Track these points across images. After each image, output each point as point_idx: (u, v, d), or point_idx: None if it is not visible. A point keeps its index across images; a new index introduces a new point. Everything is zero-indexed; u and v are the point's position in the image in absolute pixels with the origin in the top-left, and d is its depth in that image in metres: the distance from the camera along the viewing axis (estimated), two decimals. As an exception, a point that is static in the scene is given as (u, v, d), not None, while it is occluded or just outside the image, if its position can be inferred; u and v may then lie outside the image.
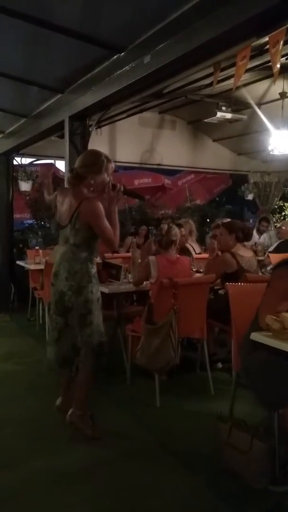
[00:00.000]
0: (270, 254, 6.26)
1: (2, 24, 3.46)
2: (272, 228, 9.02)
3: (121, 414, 3.45)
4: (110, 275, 4.31)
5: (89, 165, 3.01)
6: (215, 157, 8.45)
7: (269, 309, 2.38)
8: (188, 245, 5.96)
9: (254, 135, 7.11)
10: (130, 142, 7.46)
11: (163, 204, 10.53)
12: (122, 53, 3.75)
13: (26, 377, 4.30)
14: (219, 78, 4.13)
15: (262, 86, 5.50)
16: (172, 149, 7.87)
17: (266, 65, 4.20)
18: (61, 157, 6.22)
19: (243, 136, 7.60)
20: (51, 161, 8.93)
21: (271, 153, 6.32)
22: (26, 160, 7.87)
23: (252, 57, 3.49)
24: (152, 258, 3.82)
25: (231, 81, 3.92)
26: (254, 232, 7.59)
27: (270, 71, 3.63)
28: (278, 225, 8.36)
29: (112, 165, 3.08)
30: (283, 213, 10.31)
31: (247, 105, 5.87)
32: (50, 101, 5.13)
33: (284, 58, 4.15)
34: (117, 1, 3.13)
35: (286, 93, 5.59)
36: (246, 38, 3.08)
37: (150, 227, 8.52)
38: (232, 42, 3.14)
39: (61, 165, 8.78)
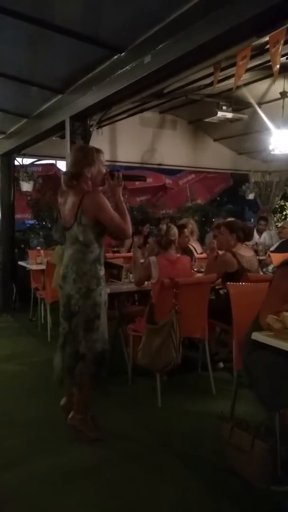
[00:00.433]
0: (271, 254, 6.26)
1: (3, 25, 3.47)
2: (273, 228, 9.02)
3: (122, 414, 3.45)
4: (112, 275, 4.31)
5: (80, 159, 2.96)
6: (215, 156, 8.45)
7: (271, 309, 2.37)
8: (189, 245, 5.96)
9: (255, 135, 7.11)
10: (131, 142, 7.47)
11: (164, 203, 10.54)
12: (123, 53, 3.76)
13: (28, 377, 4.30)
14: (219, 78, 4.13)
15: (262, 85, 5.50)
16: (173, 148, 7.88)
17: (266, 64, 4.20)
18: (62, 157, 6.24)
19: (244, 136, 7.60)
20: (52, 161, 8.94)
21: (272, 152, 6.31)
22: (27, 161, 7.87)
23: (252, 57, 3.49)
24: (152, 258, 3.82)
25: (232, 80, 3.93)
26: (255, 232, 7.60)
27: (270, 70, 3.63)
28: (280, 224, 8.35)
29: (103, 155, 3.02)
30: (284, 213, 10.30)
31: (247, 105, 5.87)
32: (51, 102, 5.14)
33: (285, 57, 4.16)
34: (117, 2, 3.14)
35: (287, 92, 5.58)
36: (246, 38, 3.09)
37: (151, 227, 8.53)
38: (232, 42, 3.14)
39: (62, 165, 8.79)
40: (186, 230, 5.53)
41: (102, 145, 6.29)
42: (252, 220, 12.71)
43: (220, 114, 5.91)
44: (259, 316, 2.55)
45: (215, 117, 5.99)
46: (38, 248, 6.90)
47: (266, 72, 4.76)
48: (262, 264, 5.50)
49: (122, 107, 5.23)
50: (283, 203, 10.28)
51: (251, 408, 3.01)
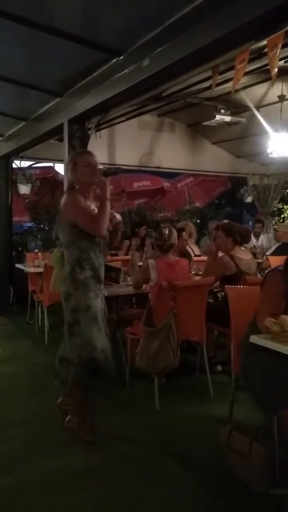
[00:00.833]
0: (269, 257, 6.26)
1: (2, 28, 3.47)
2: (271, 231, 9.03)
3: (120, 417, 3.45)
4: (110, 278, 4.31)
5: (68, 168, 3.04)
6: (214, 159, 8.47)
7: (267, 312, 2.39)
8: (188, 248, 5.96)
9: (253, 138, 7.13)
10: (129, 145, 7.47)
11: (162, 206, 10.55)
12: (121, 57, 3.77)
13: (25, 380, 4.29)
14: (218, 81, 4.14)
15: (260, 89, 5.52)
16: (171, 152, 7.89)
17: (264, 68, 4.21)
18: (60, 160, 6.24)
19: (242, 139, 7.62)
20: (50, 164, 8.94)
21: (270, 155, 6.33)
22: (25, 163, 7.86)
23: (250, 60, 3.50)
24: (151, 261, 3.82)
25: (230, 84, 3.94)
26: (252, 235, 7.61)
27: (268, 74, 3.64)
28: (275, 227, 8.37)
29: (83, 158, 2.99)
30: (282, 216, 10.32)
31: (246, 108, 5.89)
32: (49, 105, 5.14)
33: (283, 61, 4.18)
34: (116, 5, 3.14)
35: (285, 96, 5.61)
36: (244, 42, 3.09)
37: (149, 230, 8.53)
38: (230, 46, 3.15)
39: (60, 168, 8.79)
40: (184, 233, 5.54)
41: (100, 148, 6.33)
42: (250, 223, 12.72)
43: (218, 117, 5.93)
44: (256, 319, 2.56)
45: (213, 120, 6.01)
46: (36, 251, 6.87)
47: (264, 75, 4.78)
48: (260, 267, 5.50)
49: (121, 110, 5.24)
50: (281, 206, 10.30)
51: (249, 411, 3.00)
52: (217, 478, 2.60)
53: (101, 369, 2.94)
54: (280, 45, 2.96)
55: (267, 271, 3.02)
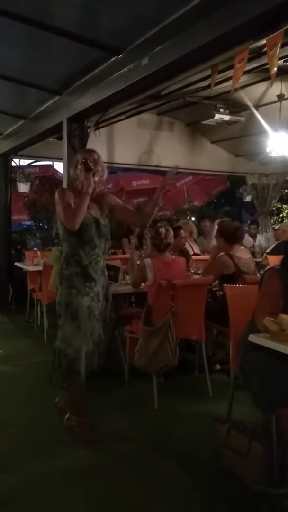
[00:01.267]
0: (267, 256, 6.27)
1: (1, 26, 3.47)
2: (270, 230, 9.05)
3: (119, 416, 3.45)
4: (109, 277, 4.30)
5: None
6: (213, 158, 8.46)
7: (265, 311, 2.40)
8: (187, 245, 5.96)
9: (252, 137, 7.12)
10: (128, 143, 7.47)
11: (161, 205, 10.52)
12: (120, 55, 3.76)
13: (24, 379, 4.29)
14: (217, 80, 4.13)
15: (260, 88, 5.51)
16: (170, 150, 7.88)
17: (264, 67, 4.21)
18: (59, 159, 6.22)
19: (241, 138, 7.61)
20: (50, 162, 8.93)
21: (269, 155, 6.33)
22: (24, 162, 7.86)
23: (250, 59, 3.49)
24: (147, 260, 3.82)
25: (229, 83, 3.92)
26: (248, 236, 7.62)
27: (268, 73, 3.64)
28: (277, 227, 8.38)
29: (81, 156, 3.03)
30: (281, 215, 10.34)
31: (245, 107, 5.88)
32: (48, 103, 5.13)
33: (282, 60, 4.17)
34: (115, 4, 3.14)
35: (284, 95, 5.60)
36: (243, 41, 3.09)
37: (148, 228, 8.51)
38: (229, 45, 3.15)
39: (59, 166, 8.78)
40: (182, 231, 5.54)
41: (99, 147, 6.31)
42: (249, 222, 12.74)
43: (217, 116, 5.93)
44: (255, 318, 2.56)
45: (212, 119, 6.01)
46: (35, 249, 6.89)
47: (263, 74, 4.77)
48: (259, 266, 5.50)
49: (120, 109, 5.23)
50: (280, 206, 10.32)
51: (248, 410, 3.00)
52: (215, 477, 2.61)
53: (72, 367, 2.93)
54: (279, 45, 2.96)
55: (265, 269, 3.03)
